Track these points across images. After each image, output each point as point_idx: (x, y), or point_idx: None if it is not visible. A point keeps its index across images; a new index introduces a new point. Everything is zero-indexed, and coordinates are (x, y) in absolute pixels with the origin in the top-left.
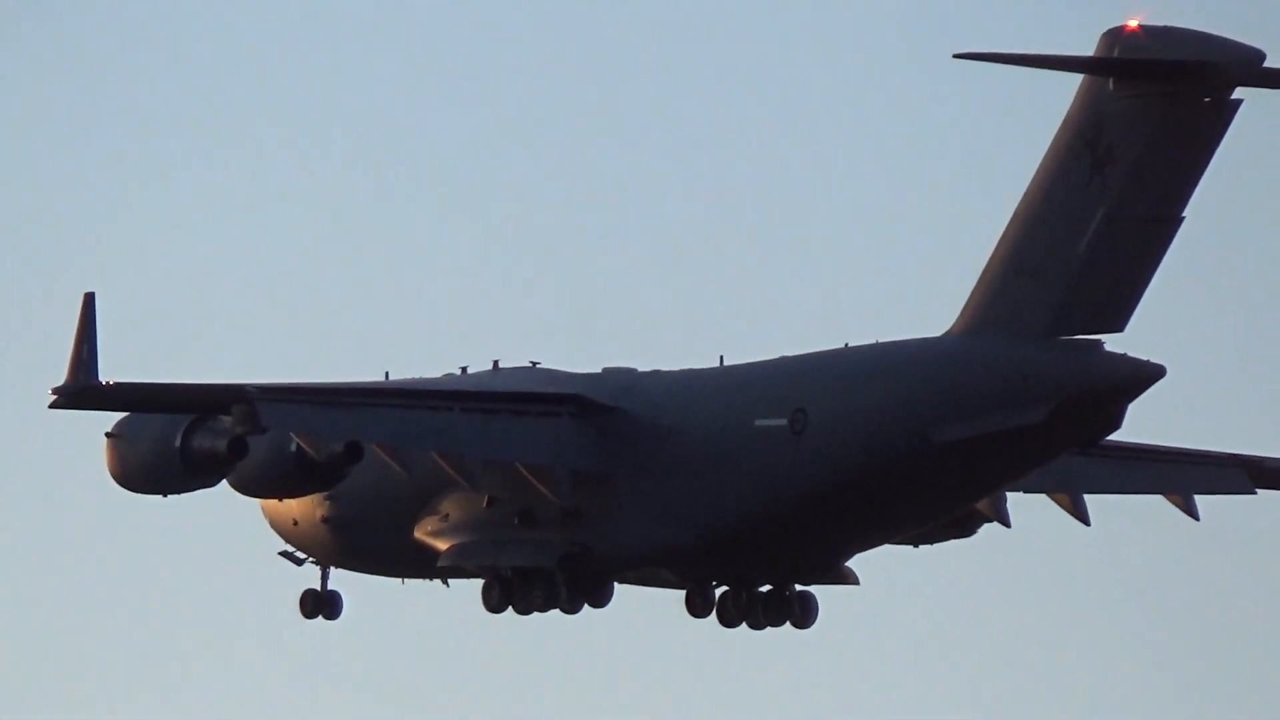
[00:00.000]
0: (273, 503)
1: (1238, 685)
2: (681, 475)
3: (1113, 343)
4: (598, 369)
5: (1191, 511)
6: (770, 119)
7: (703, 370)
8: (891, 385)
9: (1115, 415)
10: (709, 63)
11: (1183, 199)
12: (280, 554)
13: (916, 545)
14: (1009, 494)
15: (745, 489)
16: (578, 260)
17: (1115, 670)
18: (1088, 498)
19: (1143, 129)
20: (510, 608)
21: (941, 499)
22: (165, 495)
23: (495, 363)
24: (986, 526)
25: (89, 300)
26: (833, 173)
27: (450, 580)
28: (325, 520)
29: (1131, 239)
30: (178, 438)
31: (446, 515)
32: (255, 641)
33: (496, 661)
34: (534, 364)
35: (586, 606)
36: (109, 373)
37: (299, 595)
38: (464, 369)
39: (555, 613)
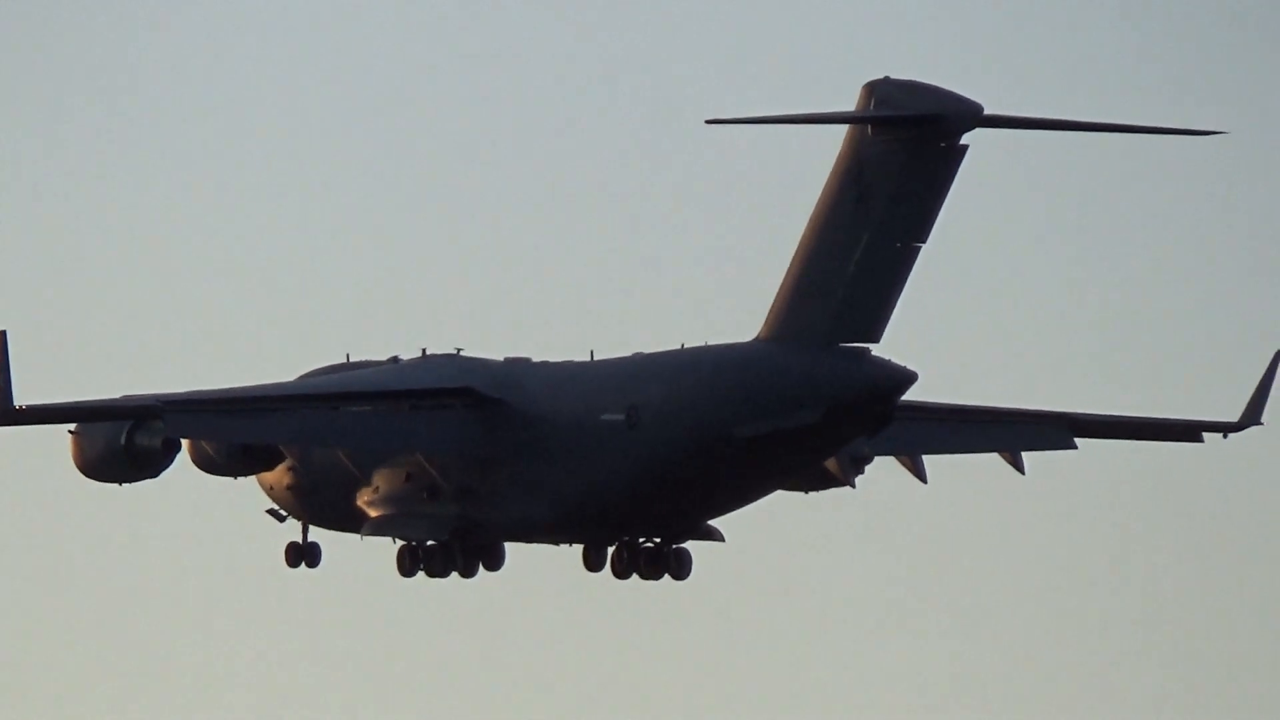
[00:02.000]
0: (272, 476)
1: (1067, 623)
2: (547, 459)
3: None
4: (512, 354)
5: (1019, 466)
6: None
7: (572, 365)
8: (701, 387)
9: (885, 411)
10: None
11: (927, 228)
12: (267, 511)
13: (806, 492)
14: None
15: (592, 473)
16: (505, 254)
17: (950, 610)
18: (926, 458)
19: (893, 169)
20: (421, 572)
21: (749, 484)
22: (120, 484)
23: (424, 350)
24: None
25: (2, 338)
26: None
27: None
28: (289, 488)
29: (887, 262)
30: (123, 436)
31: (377, 488)
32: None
33: (410, 619)
34: (458, 350)
35: (483, 569)
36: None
37: (284, 547)
38: (395, 358)
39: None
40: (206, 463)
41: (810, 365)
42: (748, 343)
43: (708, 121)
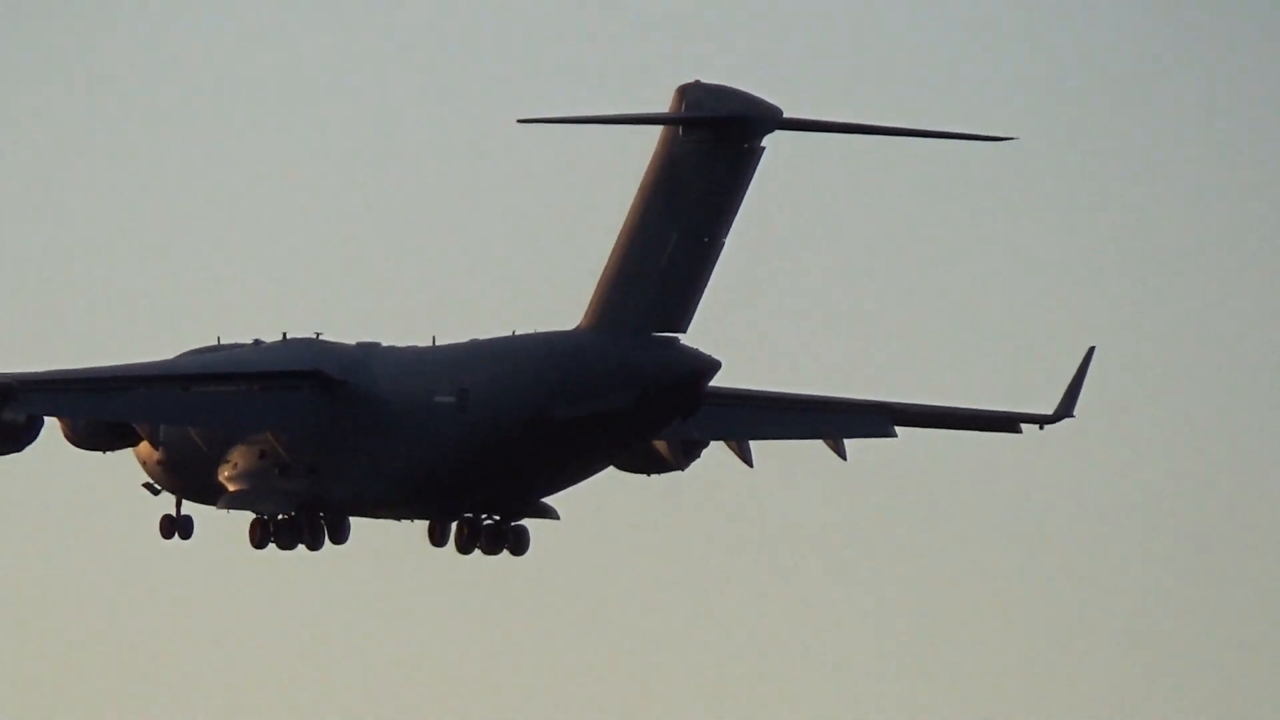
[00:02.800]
0: (140, 451)
1: (881, 601)
2: (386, 438)
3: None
4: (365, 339)
5: (841, 452)
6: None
7: (415, 350)
8: (525, 372)
9: (694, 396)
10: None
11: (728, 224)
12: (142, 485)
13: (648, 474)
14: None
15: (427, 451)
16: (355, 247)
17: (767, 585)
18: (753, 443)
19: (700, 168)
20: (272, 544)
21: (572, 464)
22: None
23: (284, 334)
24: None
25: None
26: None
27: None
28: (159, 463)
29: (694, 256)
30: None
31: (235, 464)
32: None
33: (258, 590)
34: (318, 335)
35: (329, 542)
36: None
37: (158, 520)
38: (256, 340)
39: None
40: (75, 438)
41: (624, 353)
42: (569, 331)
43: (519, 121)
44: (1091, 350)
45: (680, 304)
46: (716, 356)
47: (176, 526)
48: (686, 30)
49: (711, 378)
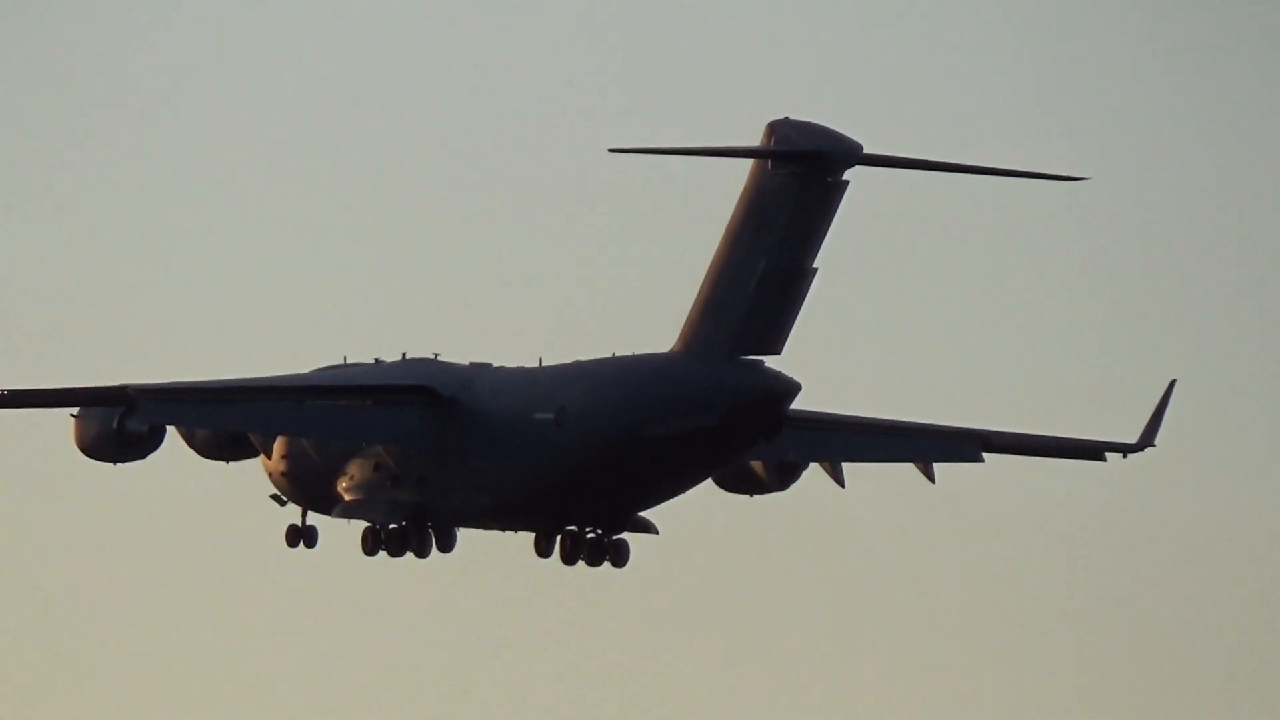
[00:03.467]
0: (269, 463)
1: (976, 618)
2: (491, 453)
3: (776, 362)
4: (483, 360)
5: (930, 476)
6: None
7: (518, 370)
8: (616, 392)
9: (776, 416)
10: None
11: (814, 253)
12: (270, 496)
13: (752, 495)
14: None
15: (528, 466)
16: (469, 275)
17: (857, 599)
18: (845, 465)
19: (788, 200)
20: (382, 551)
21: (664, 480)
22: (114, 464)
23: (404, 354)
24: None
25: None
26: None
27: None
28: (283, 474)
29: (784, 283)
30: (114, 421)
31: (352, 475)
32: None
33: (370, 594)
34: (435, 355)
35: (437, 551)
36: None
37: (285, 529)
38: (377, 360)
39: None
40: (196, 447)
41: (711, 375)
42: (661, 354)
43: (610, 150)
44: (1173, 383)
45: (771, 329)
46: (799, 379)
47: (301, 536)
48: (779, 66)
49: (793, 399)
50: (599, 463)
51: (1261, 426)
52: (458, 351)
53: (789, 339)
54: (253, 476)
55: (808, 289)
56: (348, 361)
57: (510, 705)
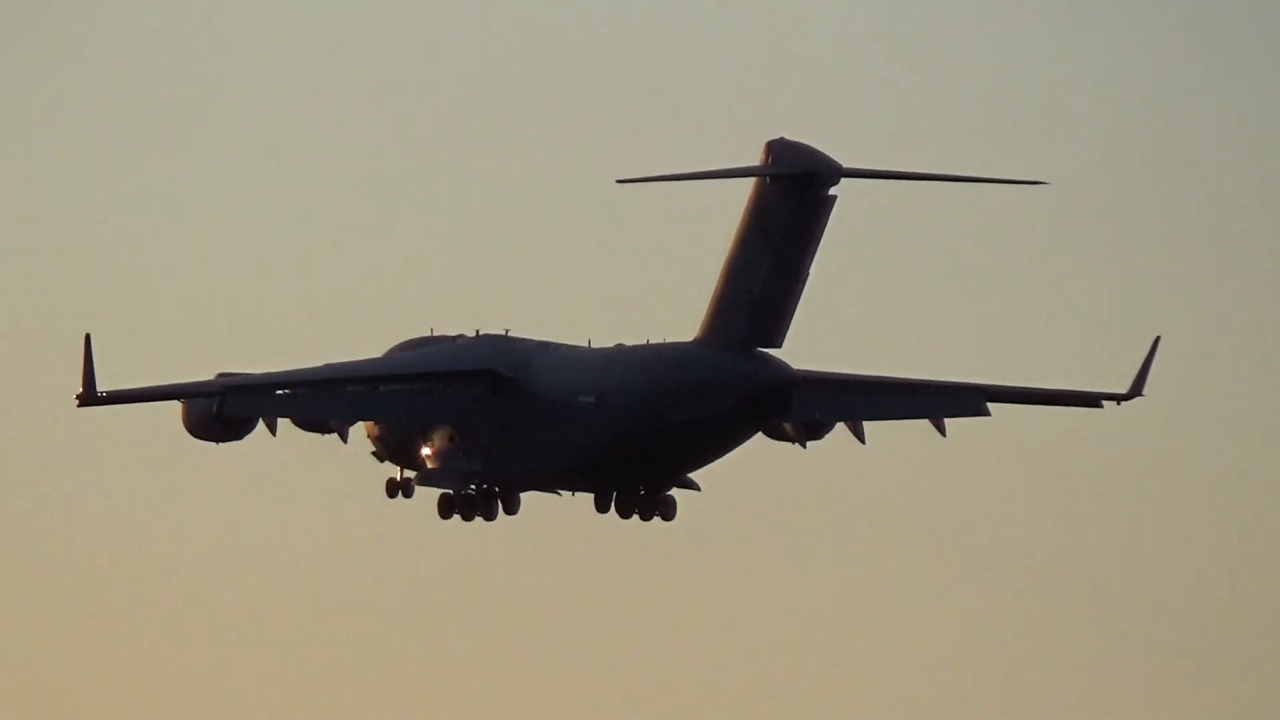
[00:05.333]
0: (366, 426)
1: (985, 558)
2: (544, 428)
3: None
4: (546, 338)
5: (941, 429)
6: None
7: (572, 351)
8: (645, 378)
9: (783, 400)
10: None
11: (810, 257)
12: (371, 453)
13: (804, 444)
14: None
15: (576, 440)
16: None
17: (877, 544)
18: (866, 424)
19: (785, 212)
20: (456, 515)
21: (688, 454)
22: (217, 443)
23: (478, 330)
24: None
25: (87, 339)
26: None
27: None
28: (378, 438)
29: (784, 283)
30: (215, 406)
31: (434, 443)
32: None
33: (446, 553)
34: (506, 331)
35: (503, 513)
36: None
37: (385, 481)
38: (460, 335)
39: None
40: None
41: (724, 364)
42: (683, 343)
43: (619, 181)
44: (1157, 339)
45: (775, 323)
46: (804, 367)
47: (400, 487)
48: (769, 84)
49: (794, 386)
50: (631, 440)
51: (1236, 380)
52: (530, 326)
53: (789, 331)
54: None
55: (803, 288)
56: (433, 334)
57: (573, 643)
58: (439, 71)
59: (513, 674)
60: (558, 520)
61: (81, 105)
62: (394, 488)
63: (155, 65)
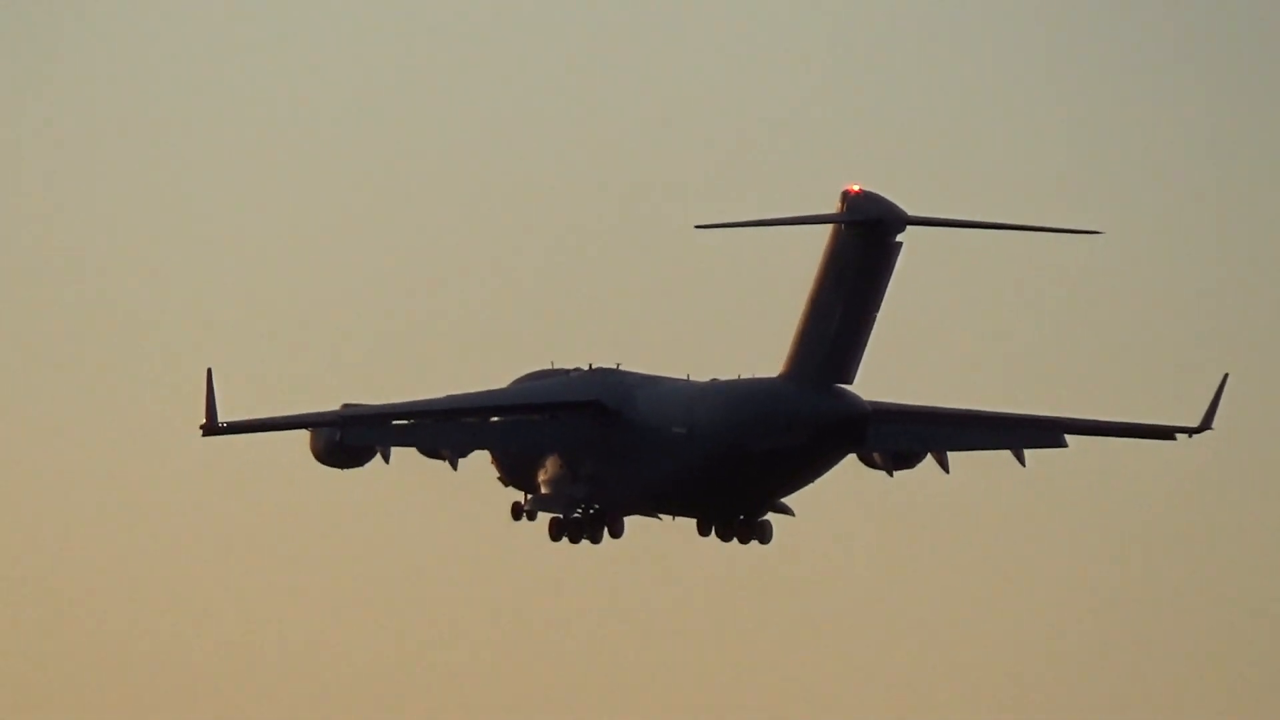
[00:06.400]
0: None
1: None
2: (645, 456)
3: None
4: (650, 372)
5: (1021, 460)
6: None
7: (671, 384)
8: (731, 412)
9: (858, 432)
10: None
11: (879, 300)
12: (496, 478)
13: (891, 473)
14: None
15: (669, 468)
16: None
17: (961, 567)
18: (950, 454)
19: (857, 257)
20: (565, 538)
21: (774, 482)
22: (342, 469)
23: (590, 364)
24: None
25: (209, 374)
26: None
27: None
28: (499, 463)
29: (855, 324)
30: (337, 435)
31: (547, 469)
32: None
33: (557, 572)
34: (618, 365)
35: (608, 536)
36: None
37: (510, 506)
38: (577, 368)
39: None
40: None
41: (801, 399)
42: (765, 379)
43: (697, 226)
44: (1225, 376)
45: (849, 360)
46: (873, 401)
47: (524, 511)
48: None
49: (868, 420)
50: (716, 469)
51: None
52: (640, 362)
53: (860, 367)
54: (478, 469)
55: (871, 328)
56: (554, 366)
57: (677, 653)
58: (540, 122)
59: (607, 680)
60: (660, 543)
61: (212, 140)
62: (518, 511)
63: (265, 98)
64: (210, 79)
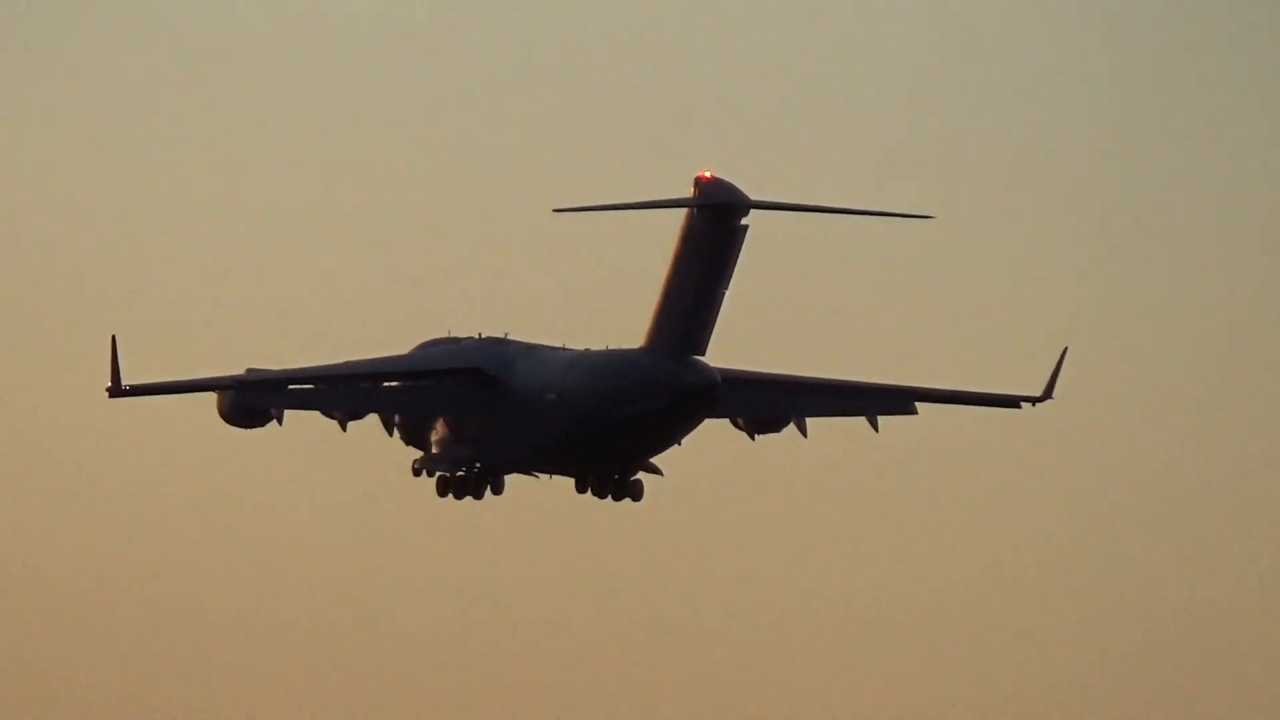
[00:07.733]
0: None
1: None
2: (518, 421)
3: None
4: (535, 341)
5: (874, 425)
6: None
7: (548, 353)
8: (595, 380)
9: (709, 399)
10: None
11: (728, 277)
12: (400, 438)
13: (753, 437)
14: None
15: (542, 430)
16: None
17: (820, 526)
18: (809, 420)
19: (708, 239)
20: (450, 494)
21: (633, 446)
22: (246, 429)
23: (479, 333)
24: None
25: (114, 340)
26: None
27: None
28: (400, 425)
29: (707, 300)
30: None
31: (437, 431)
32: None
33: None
34: (505, 334)
35: (490, 494)
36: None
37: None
38: (478, 334)
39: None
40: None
41: (656, 369)
42: (628, 350)
43: (555, 210)
44: (1065, 350)
45: (701, 333)
46: (733, 369)
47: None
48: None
49: (718, 386)
50: (584, 433)
51: (1139, 384)
52: (526, 330)
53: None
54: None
55: (720, 304)
56: (450, 335)
57: (551, 606)
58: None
59: (488, 636)
60: (539, 500)
61: (124, 111)
62: (416, 469)
63: (191, 67)
64: (124, 49)
